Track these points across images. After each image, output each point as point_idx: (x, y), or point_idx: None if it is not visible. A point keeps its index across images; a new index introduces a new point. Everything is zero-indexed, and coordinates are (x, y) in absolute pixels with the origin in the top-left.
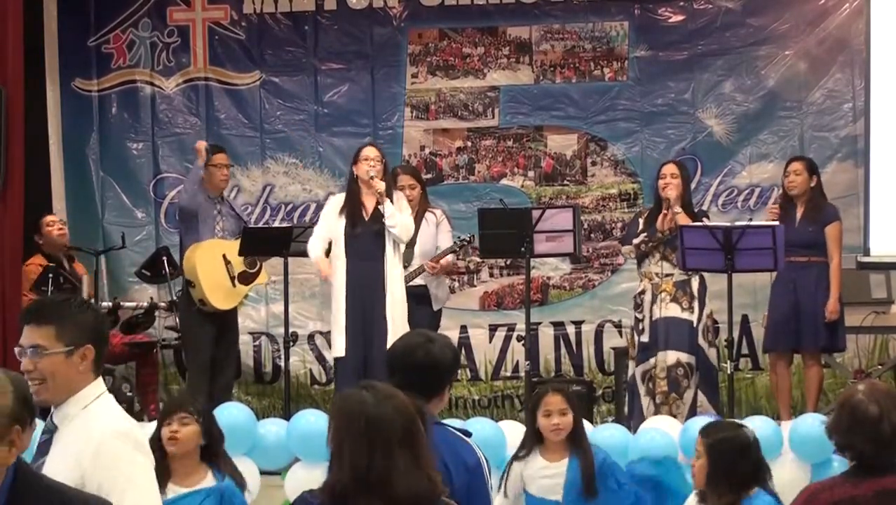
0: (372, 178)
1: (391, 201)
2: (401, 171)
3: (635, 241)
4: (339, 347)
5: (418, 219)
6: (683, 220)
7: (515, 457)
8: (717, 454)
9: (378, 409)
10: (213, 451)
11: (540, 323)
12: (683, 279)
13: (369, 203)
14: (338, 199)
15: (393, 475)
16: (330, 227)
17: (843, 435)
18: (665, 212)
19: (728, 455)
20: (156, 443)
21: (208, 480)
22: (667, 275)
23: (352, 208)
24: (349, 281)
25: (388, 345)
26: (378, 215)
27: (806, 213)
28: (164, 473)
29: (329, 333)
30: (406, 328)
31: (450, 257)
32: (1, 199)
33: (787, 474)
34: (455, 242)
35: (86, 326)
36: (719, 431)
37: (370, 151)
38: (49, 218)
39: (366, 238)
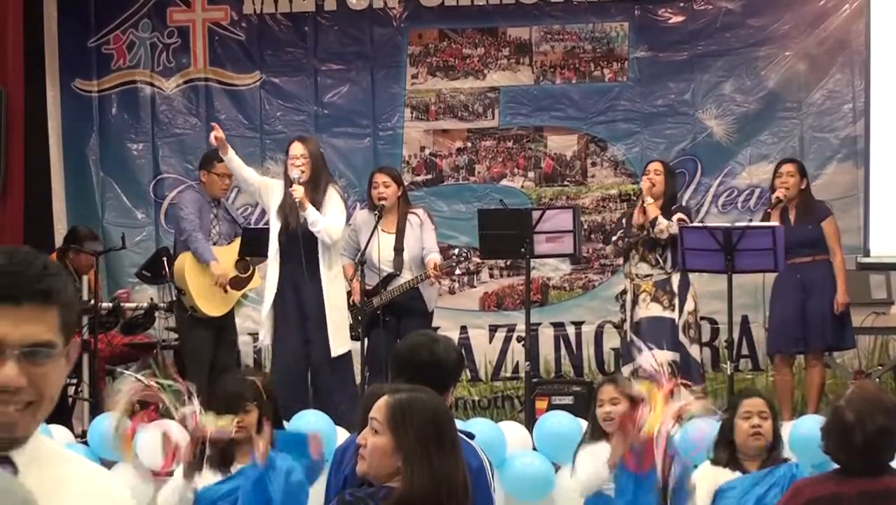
0: (293, 183)
1: (322, 198)
2: (377, 170)
3: (613, 238)
4: (265, 338)
5: (401, 222)
6: (652, 209)
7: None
8: (774, 413)
9: (443, 406)
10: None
11: (540, 324)
12: (663, 278)
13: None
14: (280, 191)
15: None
16: (268, 201)
17: (825, 439)
18: (639, 204)
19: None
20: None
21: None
22: (646, 275)
23: (285, 210)
24: (282, 285)
25: (331, 348)
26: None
27: (799, 214)
28: (227, 457)
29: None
30: (345, 328)
31: (438, 258)
32: (1, 199)
33: None
34: (453, 258)
35: (76, 304)
36: (762, 391)
37: (295, 148)
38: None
39: (300, 240)
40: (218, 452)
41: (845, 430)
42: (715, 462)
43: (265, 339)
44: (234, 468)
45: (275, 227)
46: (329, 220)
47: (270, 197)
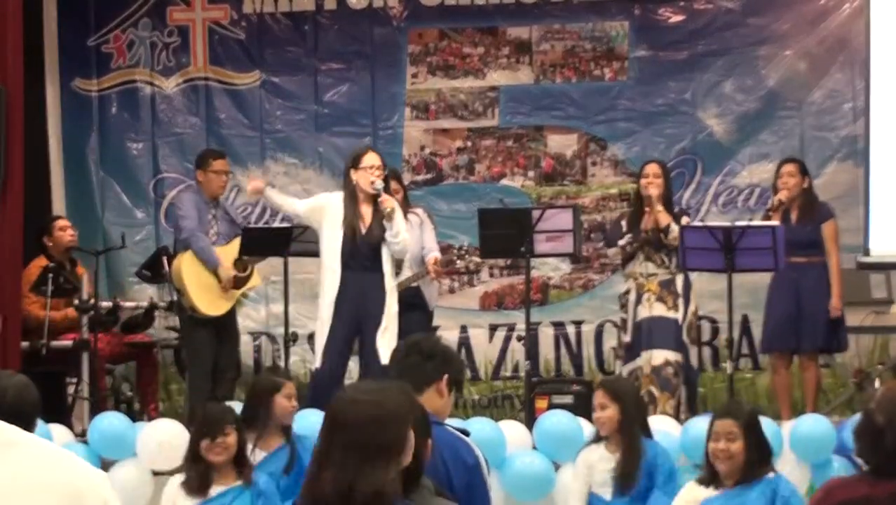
0: (378, 193)
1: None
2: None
3: (620, 242)
4: (317, 358)
5: None
6: (664, 217)
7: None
8: (753, 432)
9: (360, 408)
10: (242, 455)
11: (540, 323)
12: (668, 278)
13: (366, 212)
14: (336, 203)
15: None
16: (322, 218)
17: (856, 442)
18: (647, 210)
19: (760, 429)
20: (194, 453)
21: (238, 482)
22: (651, 275)
23: (351, 220)
24: (344, 292)
25: (381, 357)
26: (377, 225)
27: (801, 214)
28: (205, 480)
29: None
30: (396, 338)
31: (438, 255)
32: (1, 199)
33: (788, 475)
34: (454, 253)
35: None
36: (742, 410)
37: (373, 159)
38: (61, 222)
39: (365, 249)
40: (197, 476)
41: (876, 432)
42: (700, 481)
43: (319, 350)
44: (213, 491)
45: (335, 237)
46: (406, 235)
47: (325, 215)
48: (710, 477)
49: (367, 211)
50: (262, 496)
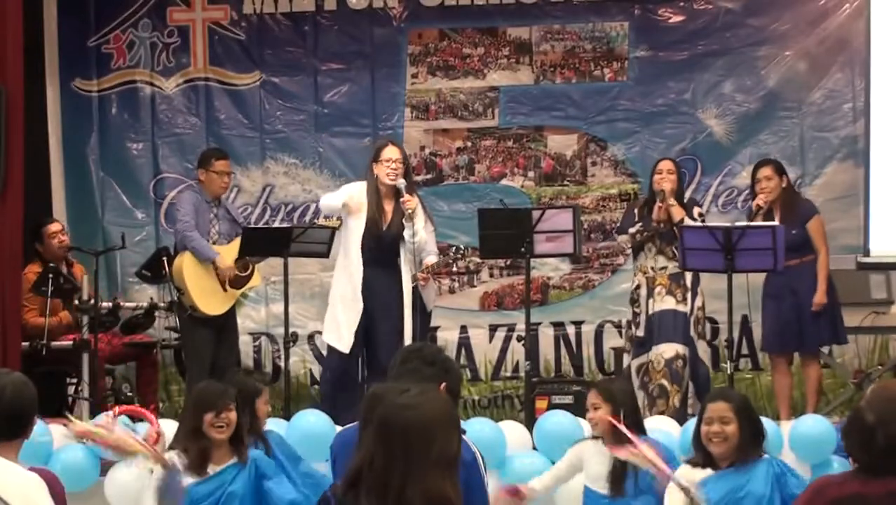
0: (399, 190)
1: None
2: None
3: (631, 230)
4: (346, 343)
5: None
6: (677, 211)
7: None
8: (746, 415)
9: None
10: (239, 433)
11: (540, 323)
12: (677, 272)
13: (388, 206)
14: (360, 193)
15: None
16: (349, 210)
17: (845, 439)
18: (660, 204)
19: (752, 411)
20: (194, 429)
21: (234, 459)
22: (661, 268)
23: (373, 213)
24: (366, 287)
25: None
26: (397, 221)
27: (784, 215)
28: (205, 457)
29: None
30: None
31: (435, 260)
32: (1, 200)
33: None
34: (449, 255)
35: None
36: (734, 394)
37: (392, 152)
38: (52, 228)
39: (385, 244)
40: (198, 452)
41: (866, 430)
42: (693, 463)
43: (338, 342)
44: (211, 469)
45: (357, 229)
46: (423, 233)
47: (354, 206)
48: (702, 459)
49: (388, 206)
50: (261, 471)
